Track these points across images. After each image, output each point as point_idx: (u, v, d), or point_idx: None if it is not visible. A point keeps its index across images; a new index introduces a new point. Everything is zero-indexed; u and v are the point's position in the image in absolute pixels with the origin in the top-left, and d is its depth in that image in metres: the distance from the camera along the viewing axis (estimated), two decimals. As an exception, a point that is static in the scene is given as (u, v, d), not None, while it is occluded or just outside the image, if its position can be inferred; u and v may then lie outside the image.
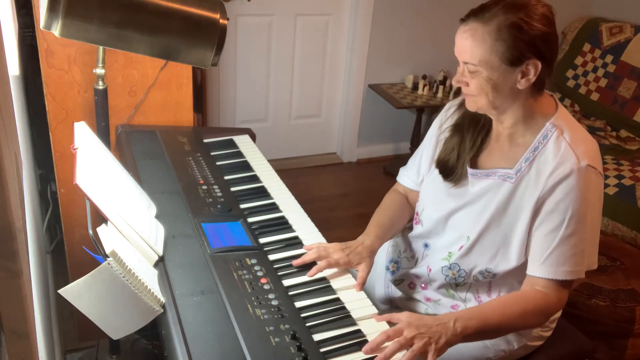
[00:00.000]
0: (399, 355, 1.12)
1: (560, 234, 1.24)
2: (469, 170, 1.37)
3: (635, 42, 3.42)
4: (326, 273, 1.33)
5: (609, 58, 3.52)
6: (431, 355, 1.14)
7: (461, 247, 1.38)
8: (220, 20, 1.42)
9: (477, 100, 1.28)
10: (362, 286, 1.32)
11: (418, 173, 1.54)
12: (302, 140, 3.81)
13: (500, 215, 1.31)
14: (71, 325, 2.16)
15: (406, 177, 1.58)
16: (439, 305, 1.43)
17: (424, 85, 3.61)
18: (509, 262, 1.32)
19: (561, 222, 1.24)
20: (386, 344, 1.13)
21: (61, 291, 1.04)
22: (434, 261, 1.44)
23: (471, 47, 1.22)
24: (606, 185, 2.74)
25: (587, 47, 3.65)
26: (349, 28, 3.57)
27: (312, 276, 1.30)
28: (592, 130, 3.29)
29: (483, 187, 1.35)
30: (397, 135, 3.95)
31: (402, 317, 1.18)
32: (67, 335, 2.15)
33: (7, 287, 0.75)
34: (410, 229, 1.56)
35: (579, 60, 3.67)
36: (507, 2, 1.21)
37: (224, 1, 3.06)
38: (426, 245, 1.49)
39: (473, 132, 1.39)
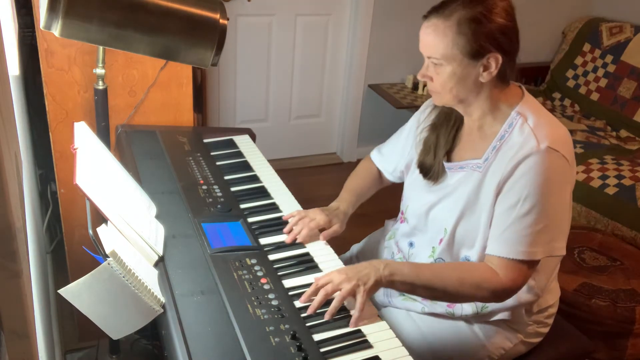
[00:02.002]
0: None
1: (515, 213, 1.25)
2: (445, 165, 1.40)
3: (635, 42, 3.42)
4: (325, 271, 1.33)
5: (609, 58, 3.52)
6: (360, 296, 1.19)
7: (441, 240, 1.40)
8: (220, 20, 1.42)
9: (442, 96, 1.32)
10: (329, 237, 1.44)
11: (395, 167, 1.60)
12: (302, 140, 3.80)
13: (473, 205, 1.33)
14: (71, 325, 2.16)
15: (381, 164, 1.65)
16: (435, 304, 1.44)
17: (424, 86, 3.61)
18: (485, 249, 1.33)
19: (517, 201, 1.25)
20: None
21: (61, 291, 1.04)
22: (420, 260, 1.47)
23: (434, 42, 1.26)
24: (606, 185, 2.74)
25: (587, 47, 3.65)
26: (349, 28, 3.56)
27: (290, 242, 1.39)
28: (592, 130, 3.29)
29: (458, 179, 1.38)
30: (397, 135, 3.95)
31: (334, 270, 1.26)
32: (67, 335, 2.15)
33: (7, 287, 0.75)
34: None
35: (579, 60, 3.67)
36: None
37: (224, 1, 3.06)
38: (411, 244, 1.52)
39: (446, 128, 1.43)
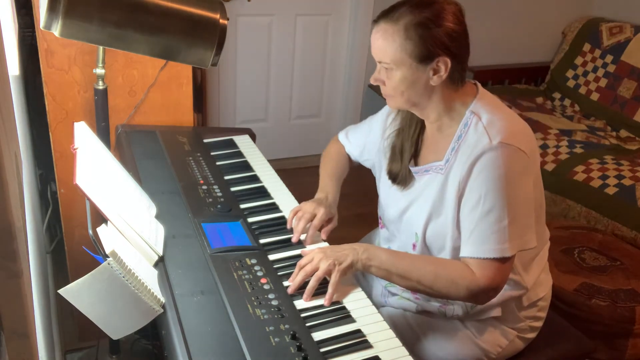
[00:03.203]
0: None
1: (478, 212, 1.25)
2: (412, 169, 1.41)
3: (635, 42, 3.42)
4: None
5: (609, 58, 3.52)
6: (334, 274, 1.23)
7: (414, 245, 1.41)
8: (220, 20, 1.42)
9: (395, 99, 1.34)
10: (329, 232, 1.46)
11: (360, 154, 1.67)
12: (302, 140, 3.80)
13: (439, 207, 1.34)
14: (71, 325, 2.16)
15: (348, 148, 1.71)
16: (427, 303, 1.45)
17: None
18: (455, 250, 1.33)
19: (478, 200, 1.25)
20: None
21: (61, 291, 1.04)
22: None
23: (383, 47, 1.27)
24: (606, 185, 2.74)
25: (587, 47, 3.65)
26: (349, 28, 3.56)
27: (296, 241, 1.40)
28: (592, 130, 3.29)
29: (424, 183, 1.38)
30: (397, 135, 3.95)
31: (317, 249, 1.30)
32: (67, 335, 2.15)
33: (7, 287, 0.75)
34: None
35: (579, 60, 3.67)
36: (414, 1, 1.26)
37: (224, 1, 3.06)
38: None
39: (409, 132, 1.44)
